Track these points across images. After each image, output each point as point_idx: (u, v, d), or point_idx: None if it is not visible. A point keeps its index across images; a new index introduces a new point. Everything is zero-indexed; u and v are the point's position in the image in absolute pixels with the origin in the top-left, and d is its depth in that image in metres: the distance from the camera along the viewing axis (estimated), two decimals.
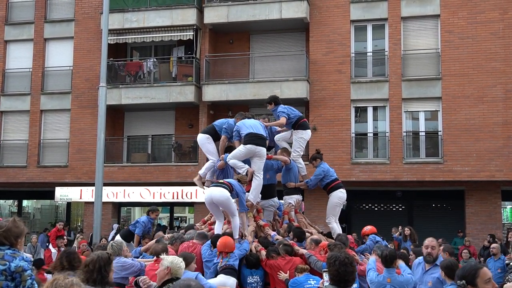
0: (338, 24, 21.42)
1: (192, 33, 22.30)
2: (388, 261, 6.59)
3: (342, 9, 21.47)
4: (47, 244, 19.10)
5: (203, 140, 10.32)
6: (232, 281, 7.68)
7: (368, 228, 10.71)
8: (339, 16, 21.47)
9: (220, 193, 8.54)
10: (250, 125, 9.58)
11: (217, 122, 10.49)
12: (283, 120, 10.11)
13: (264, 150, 9.51)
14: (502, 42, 20.06)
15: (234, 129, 9.83)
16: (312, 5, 21.65)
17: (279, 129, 10.99)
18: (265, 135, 9.65)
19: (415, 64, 21.02)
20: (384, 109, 21.13)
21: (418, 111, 21.05)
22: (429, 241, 7.14)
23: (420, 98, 20.82)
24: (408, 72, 20.94)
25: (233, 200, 8.81)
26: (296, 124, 10.30)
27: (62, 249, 14.82)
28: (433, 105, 20.85)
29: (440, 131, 20.44)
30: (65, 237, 17.35)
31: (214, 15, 22.16)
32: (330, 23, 21.47)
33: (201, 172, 10.42)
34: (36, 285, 4.98)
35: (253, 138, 9.37)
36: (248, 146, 9.33)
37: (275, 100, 10.42)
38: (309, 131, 10.46)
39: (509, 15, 20.15)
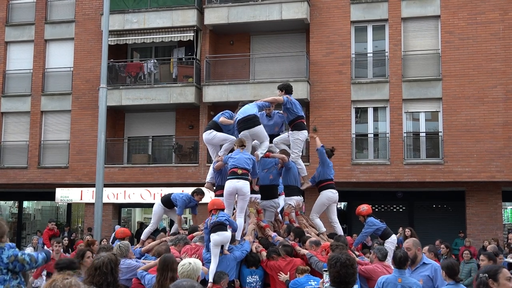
0: (338, 25, 21.43)
1: (193, 34, 22.31)
2: (401, 262, 6.64)
3: (342, 10, 21.48)
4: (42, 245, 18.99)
5: (208, 135, 10.10)
6: (222, 237, 7.96)
7: (364, 209, 10.24)
8: (340, 17, 21.47)
9: (245, 185, 8.79)
10: (241, 111, 9.64)
11: (216, 117, 10.43)
12: (280, 99, 10.02)
13: (254, 129, 9.46)
14: (502, 43, 20.06)
15: (235, 124, 9.86)
16: (312, 6, 21.66)
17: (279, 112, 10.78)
18: (254, 114, 9.54)
19: (416, 65, 21.03)
20: (385, 109, 21.13)
21: (419, 111, 21.05)
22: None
23: (421, 99, 20.82)
24: (408, 73, 20.94)
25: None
26: (292, 124, 10.19)
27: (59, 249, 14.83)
28: (434, 106, 20.86)
29: (441, 131, 20.44)
30: (66, 238, 17.33)
31: (214, 16, 22.17)
32: (330, 24, 21.48)
33: (220, 153, 10.15)
34: (33, 254, 5.34)
35: (240, 125, 9.49)
36: (240, 134, 9.50)
37: (286, 89, 10.34)
38: (304, 132, 10.31)
39: (509, 16, 20.15)
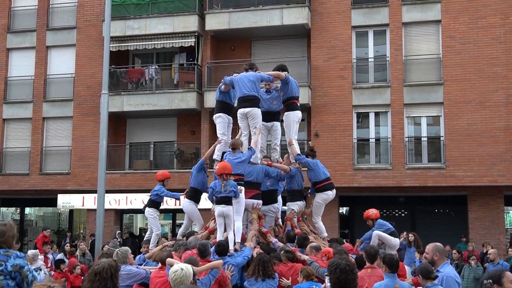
0: (339, 30, 21.44)
1: (194, 39, 22.34)
2: (397, 266, 6.59)
3: (343, 15, 21.50)
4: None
5: (216, 118, 10.34)
6: (226, 209, 8.69)
7: (373, 213, 10.47)
8: (340, 22, 21.48)
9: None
10: (239, 85, 9.83)
11: (218, 95, 10.49)
12: (282, 74, 10.17)
13: (253, 109, 9.74)
14: (504, 47, 20.05)
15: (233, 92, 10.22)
16: (313, 11, 21.68)
17: (275, 85, 10.79)
18: (255, 96, 9.79)
19: (417, 70, 21.02)
20: (386, 114, 21.11)
21: (420, 116, 21.04)
22: (427, 247, 7.21)
23: (422, 103, 20.81)
24: (409, 78, 20.93)
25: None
26: (286, 103, 10.31)
27: (49, 255, 14.98)
28: (435, 110, 20.84)
29: (442, 136, 20.42)
30: (68, 245, 17.28)
31: (215, 22, 22.20)
32: (331, 29, 21.49)
33: (215, 156, 10.35)
34: (37, 276, 5.12)
35: (240, 103, 9.89)
36: (238, 111, 9.90)
37: (282, 68, 10.46)
38: (297, 112, 10.30)
39: (510, 20, 20.14)
